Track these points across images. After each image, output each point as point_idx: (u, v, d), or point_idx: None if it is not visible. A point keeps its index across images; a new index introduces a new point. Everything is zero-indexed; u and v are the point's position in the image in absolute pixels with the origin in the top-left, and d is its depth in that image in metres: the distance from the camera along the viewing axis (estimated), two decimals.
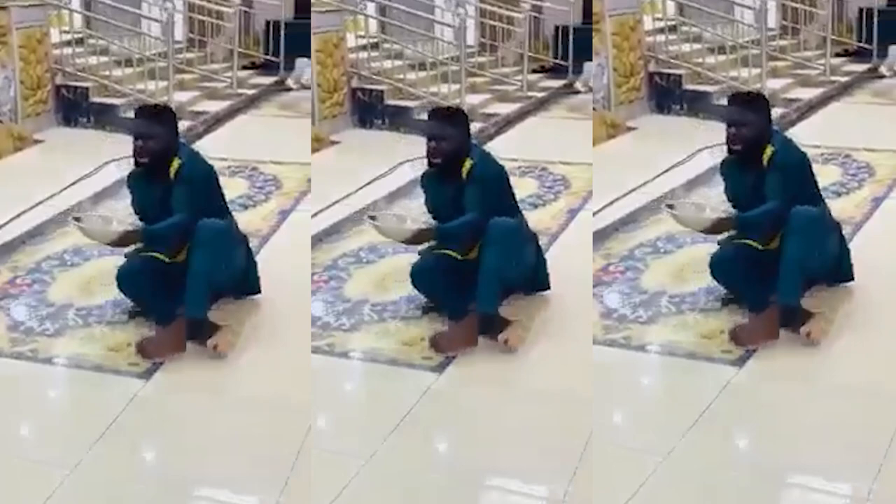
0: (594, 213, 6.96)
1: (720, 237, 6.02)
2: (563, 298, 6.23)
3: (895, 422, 5.01)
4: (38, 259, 6.67)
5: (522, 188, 7.65)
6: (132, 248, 5.94)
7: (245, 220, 7.05)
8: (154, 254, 5.85)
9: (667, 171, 7.78)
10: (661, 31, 9.80)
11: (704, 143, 8.03)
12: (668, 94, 9.44)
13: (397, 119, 9.28)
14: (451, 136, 6.04)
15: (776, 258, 5.78)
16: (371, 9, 10.12)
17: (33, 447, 5.16)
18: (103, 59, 9.63)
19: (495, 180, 6.14)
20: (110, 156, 8.08)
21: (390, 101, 9.37)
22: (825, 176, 7.52)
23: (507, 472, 5.01)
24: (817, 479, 4.86)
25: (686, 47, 9.68)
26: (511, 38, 10.43)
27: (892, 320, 5.90)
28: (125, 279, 5.95)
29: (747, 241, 5.87)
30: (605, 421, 5.19)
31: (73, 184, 7.68)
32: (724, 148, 6.01)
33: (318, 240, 6.85)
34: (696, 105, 9.32)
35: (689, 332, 5.85)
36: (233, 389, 5.62)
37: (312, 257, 6.51)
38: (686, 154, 8.01)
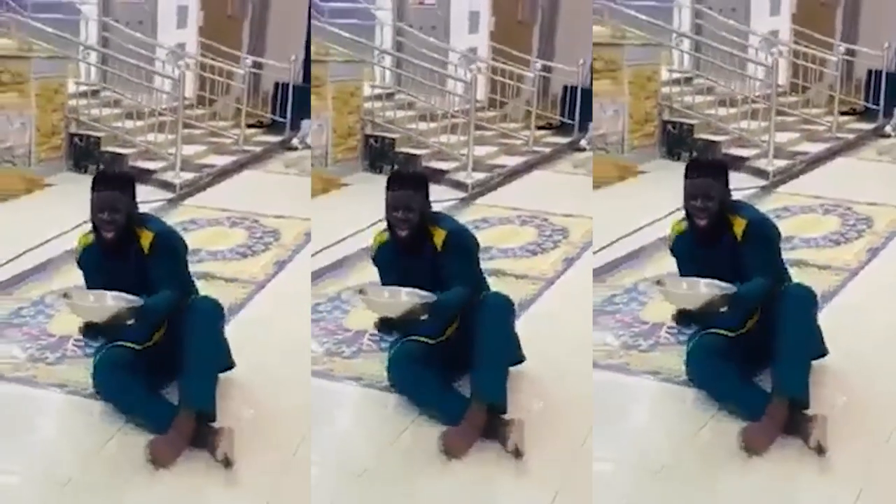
0: (595, 252, 7.17)
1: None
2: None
3: None
4: (42, 293, 6.91)
5: (522, 236, 7.94)
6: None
7: (240, 268, 7.39)
8: (125, 343, 5.56)
9: (672, 213, 7.96)
10: (677, 82, 10.12)
11: None
12: (679, 142, 9.73)
13: (407, 165, 9.60)
14: (416, 205, 5.74)
15: (751, 341, 5.64)
16: (388, 61, 10.47)
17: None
18: (116, 110, 9.94)
19: (472, 249, 5.91)
20: None
21: (401, 149, 9.69)
22: (823, 226, 7.80)
23: None
24: None
25: (699, 98, 9.99)
26: (519, 96, 10.68)
27: None
28: (106, 376, 5.57)
29: (719, 332, 5.65)
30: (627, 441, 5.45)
31: (79, 226, 7.90)
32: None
33: (317, 276, 7.05)
34: (705, 153, 9.56)
35: None
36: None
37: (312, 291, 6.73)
38: None
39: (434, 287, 5.67)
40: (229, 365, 5.83)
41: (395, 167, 9.57)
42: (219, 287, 6.96)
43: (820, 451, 5.37)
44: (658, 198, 8.37)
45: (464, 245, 5.82)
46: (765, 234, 5.69)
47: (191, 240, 7.71)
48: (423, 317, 5.67)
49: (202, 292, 6.80)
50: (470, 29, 11.28)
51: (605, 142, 9.45)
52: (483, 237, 7.88)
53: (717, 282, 5.55)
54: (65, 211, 8.47)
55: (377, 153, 9.70)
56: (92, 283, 5.69)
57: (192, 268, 7.11)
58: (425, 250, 5.75)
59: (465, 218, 8.35)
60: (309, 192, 8.09)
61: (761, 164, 9.15)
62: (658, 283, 5.77)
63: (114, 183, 5.69)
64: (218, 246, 7.80)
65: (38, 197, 8.94)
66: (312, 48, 9.86)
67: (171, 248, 5.66)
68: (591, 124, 10.13)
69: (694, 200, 5.66)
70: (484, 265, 7.21)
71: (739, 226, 5.65)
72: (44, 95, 9.34)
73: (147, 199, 8.71)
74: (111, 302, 5.46)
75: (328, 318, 6.65)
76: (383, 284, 5.89)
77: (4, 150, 9.02)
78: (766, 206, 8.22)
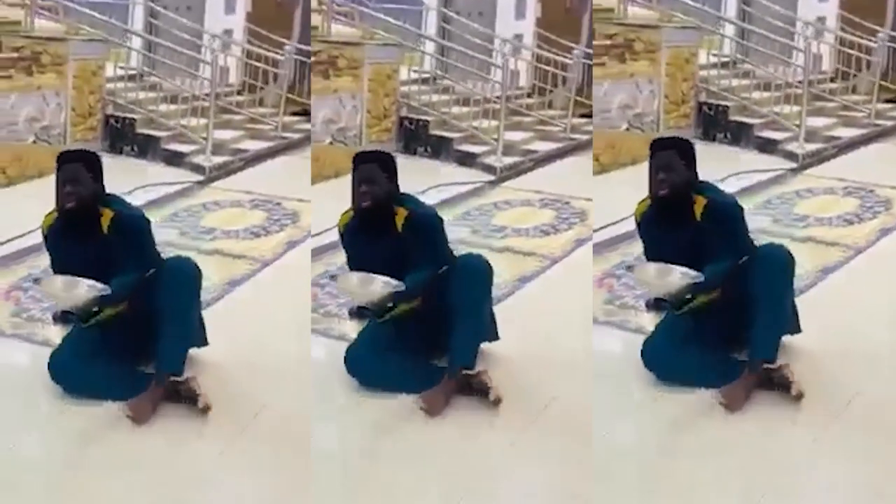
0: (595, 231, 7.42)
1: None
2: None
3: None
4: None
5: (538, 217, 8.23)
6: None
7: (252, 246, 7.71)
8: (79, 325, 5.72)
9: None
10: (721, 65, 10.46)
11: (736, 169, 8.72)
12: (714, 124, 10.03)
13: (440, 148, 9.96)
14: (381, 179, 5.88)
15: (708, 323, 5.80)
16: (430, 47, 10.87)
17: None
18: (152, 94, 10.36)
19: (435, 228, 6.01)
20: (144, 182, 8.87)
21: (434, 131, 10.05)
22: (841, 206, 8.01)
23: None
24: None
25: (735, 82, 10.29)
26: (565, 84, 10.95)
27: None
28: (64, 369, 5.77)
29: (675, 314, 5.81)
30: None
31: None
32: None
33: (330, 248, 7.18)
34: (739, 135, 9.90)
35: None
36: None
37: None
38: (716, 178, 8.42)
39: (397, 267, 5.84)
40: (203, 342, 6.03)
41: (429, 149, 9.94)
42: (224, 262, 7.37)
43: (800, 397, 5.64)
44: None
45: (425, 224, 5.95)
46: (725, 213, 5.83)
47: (209, 219, 8.28)
48: (390, 304, 5.86)
49: (209, 268, 7.13)
50: (516, 15, 11.58)
51: (640, 121, 9.73)
52: (501, 218, 8.30)
53: (688, 270, 5.73)
54: None
55: (411, 135, 10.06)
56: (58, 262, 5.86)
57: (204, 244, 7.72)
58: (388, 231, 5.90)
59: (488, 200, 8.76)
60: (309, 173, 8.34)
61: (793, 146, 9.38)
62: (629, 268, 6.05)
63: (78, 157, 5.86)
64: (234, 226, 8.14)
65: None
66: (359, 32, 10.20)
67: (131, 227, 5.78)
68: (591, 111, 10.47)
69: (656, 174, 5.83)
70: (495, 242, 7.67)
71: (699, 205, 5.80)
72: (81, 77, 9.75)
73: (178, 180, 9.23)
74: (82, 289, 5.63)
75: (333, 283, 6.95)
76: (349, 265, 6.06)
77: (41, 129, 9.45)
78: (790, 187, 8.58)
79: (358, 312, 6.28)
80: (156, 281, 5.67)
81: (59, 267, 5.83)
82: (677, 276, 5.74)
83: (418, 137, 10.06)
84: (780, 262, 5.80)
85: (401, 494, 5.31)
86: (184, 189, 9.00)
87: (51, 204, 7.46)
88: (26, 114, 9.38)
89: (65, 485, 5.34)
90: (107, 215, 5.73)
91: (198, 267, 5.87)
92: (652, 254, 5.94)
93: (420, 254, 5.87)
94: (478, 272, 5.96)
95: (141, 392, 5.62)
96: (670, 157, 5.81)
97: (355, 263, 6.01)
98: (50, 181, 8.96)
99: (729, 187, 8.23)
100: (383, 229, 5.90)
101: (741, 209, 5.93)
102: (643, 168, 8.79)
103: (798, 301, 6.14)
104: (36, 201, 8.34)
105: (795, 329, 6.00)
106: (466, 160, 9.71)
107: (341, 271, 6.29)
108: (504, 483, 5.40)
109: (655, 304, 6.22)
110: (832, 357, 6.02)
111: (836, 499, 5.15)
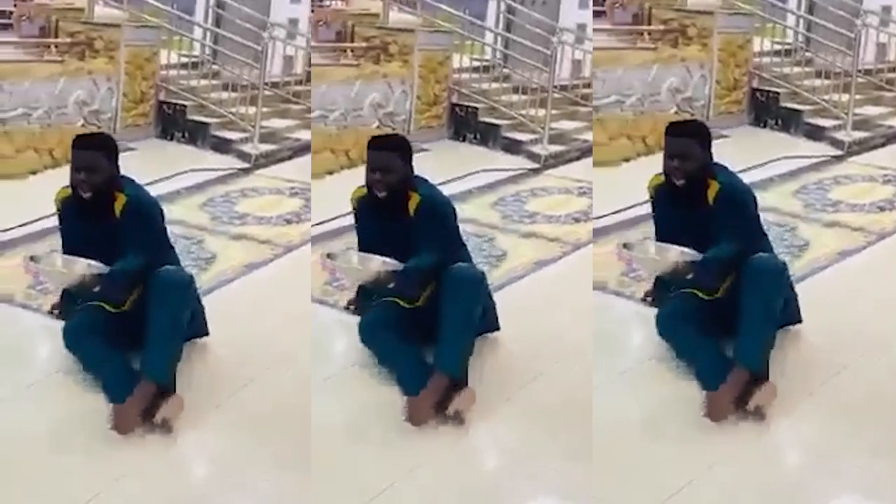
0: (596, 219, 7.51)
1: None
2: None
3: None
4: None
5: (573, 205, 8.35)
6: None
7: (281, 232, 7.88)
8: (99, 303, 5.81)
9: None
10: (778, 53, 10.61)
11: (782, 154, 8.93)
12: (766, 110, 10.17)
13: (488, 135, 10.13)
14: (397, 167, 5.92)
15: (725, 306, 5.77)
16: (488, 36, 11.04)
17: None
18: (205, 81, 10.54)
19: (446, 216, 6.06)
20: (188, 167, 9.16)
21: (483, 118, 10.22)
22: (876, 193, 8.06)
23: None
24: None
25: (787, 69, 10.44)
26: None
27: None
28: (76, 338, 5.84)
29: (693, 291, 5.85)
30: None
31: None
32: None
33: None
34: (789, 122, 10.02)
35: None
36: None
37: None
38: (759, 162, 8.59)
39: (406, 251, 5.89)
40: (201, 333, 6.16)
41: (478, 136, 10.10)
42: (249, 247, 7.58)
43: (759, 415, 5.59)
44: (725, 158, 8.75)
45: (435, 212, 5.99)
46: (735, 199, 5.84)
47: (244, 205, 8.47)
48: (390, 285, 5.93)
49: (233, 251, 7.34)
50: (580, 5, 11.66)
51: (690, 105, 9.81)
52: (536, 204, 8.41)
53: (687, 249, 5.77)
54: (129, 171, 9.18)
55: (461, 122, 10.24)
56: (68, 242, 5.98)
57: (234, 229, 7.92)
58: (399, 215, 5.96)
59: (527, 186, 8.87)
60: (309, 167, 8.59)
61: (840, 134, 9.46)
62: (625, 245, 6.02)
63: (94, 143, 5.93)
64: (267, 212, 8.31)
65: None
66: (418, 20, 10.37)
67: (142, 212, 5.86)
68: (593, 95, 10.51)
69: (671, 160, 5.83)
70: (522, 227, 7.79)
71: (713, 190, 5.81)
72: (133, 63, 10.05)
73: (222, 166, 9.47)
74: (80, 267, 5.75)
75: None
76: (361, 243, 6.12)
77: (90, 113, 9.74)
78: (830, 174, 8.60)
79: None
80: (146, 289, 5.77)
81: (68, 246, 5.96)
82: (676, 254, 5.78)
83: (468, 124, 10.24)
84: (767, 276, 5.75)
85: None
86: (226, 175, 9.20)
87: None
88: (76, 97, 9.67)
89: (52, 456, 5.56)
90: (120, 200, 5.82)
91: (190, 277, 5.98)
92: (662, 234, 5.98)
93: (427, 239, 5.92)
94: (466, 284, 5.95)
95: (121, 394, 5.67)
96: (687, 144, 5.81)
97: (365, 243, 6.08)
98: None
99: (769, 172, 8.41)
100: (395, 213, 5.96)
101: (753, 196, 5.97)
102: None
103: (810, 281, 6.22)
104: None
105: (796, 319, 6.04)
106: (513, 147, 9.86)
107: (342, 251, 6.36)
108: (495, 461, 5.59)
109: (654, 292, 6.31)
110: (832, 336, 6.08)
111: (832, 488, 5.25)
